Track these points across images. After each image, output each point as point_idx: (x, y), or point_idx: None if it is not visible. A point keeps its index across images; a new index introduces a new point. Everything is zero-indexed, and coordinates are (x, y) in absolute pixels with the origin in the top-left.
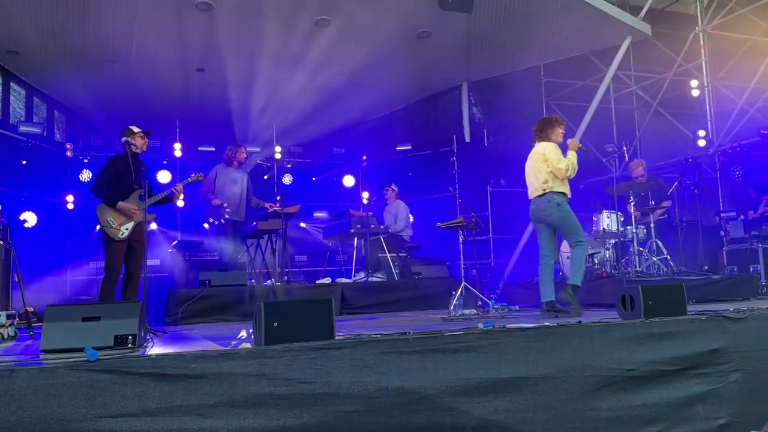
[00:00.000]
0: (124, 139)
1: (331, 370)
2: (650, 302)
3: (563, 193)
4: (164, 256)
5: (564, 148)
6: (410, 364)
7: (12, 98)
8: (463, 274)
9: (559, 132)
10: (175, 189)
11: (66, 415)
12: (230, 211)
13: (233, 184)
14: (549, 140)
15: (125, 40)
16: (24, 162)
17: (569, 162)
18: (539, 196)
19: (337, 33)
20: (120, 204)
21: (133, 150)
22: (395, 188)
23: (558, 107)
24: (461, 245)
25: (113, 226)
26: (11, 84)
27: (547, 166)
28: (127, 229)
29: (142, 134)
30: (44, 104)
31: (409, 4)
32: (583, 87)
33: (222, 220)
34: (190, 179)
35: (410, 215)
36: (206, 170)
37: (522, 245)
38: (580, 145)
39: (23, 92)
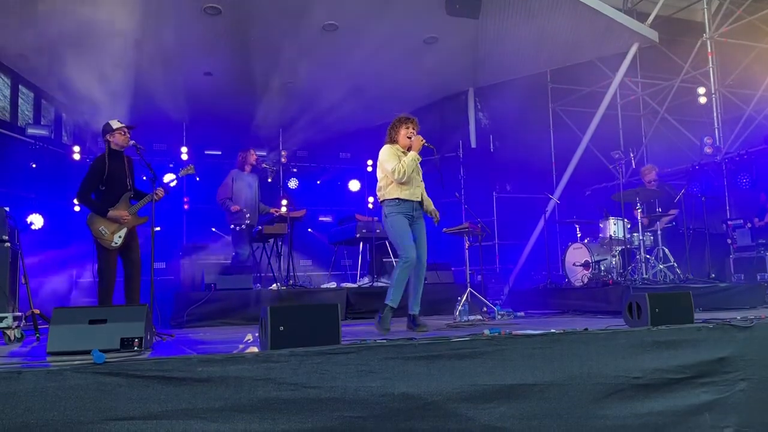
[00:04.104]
0: (105, 136)
1: (336, 375)
2: (657, 310)
3: (396, 198)
4: (169, 258)
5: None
6: (416, 369)
7: (20, 101)
8: (468, 280)
9: (402, 133)
10: (161, 190)
11: (72, 417)
12: (250, 215)
13: (248, 188)
14: (395, 143)
15: (133, 44)
16: (33, 165)
17: (400, 165)
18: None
19: (344, 38)
20: (110, 213)
21: (113, 148)
22: None
23: (564, 113)
24: (467, 251)
25: (105, 235)
26: (20, 87)
27: (382, 171)
28: (120, 237)
29: (122, 130)
30: (52, 107)
31: (416, 10)
32: (590, 93)
33: (243, 226)
34: (180, 173)
35: None
36: (213, 174)
37: (528, 251)
38: (425, 141)
39: (31, 95)
